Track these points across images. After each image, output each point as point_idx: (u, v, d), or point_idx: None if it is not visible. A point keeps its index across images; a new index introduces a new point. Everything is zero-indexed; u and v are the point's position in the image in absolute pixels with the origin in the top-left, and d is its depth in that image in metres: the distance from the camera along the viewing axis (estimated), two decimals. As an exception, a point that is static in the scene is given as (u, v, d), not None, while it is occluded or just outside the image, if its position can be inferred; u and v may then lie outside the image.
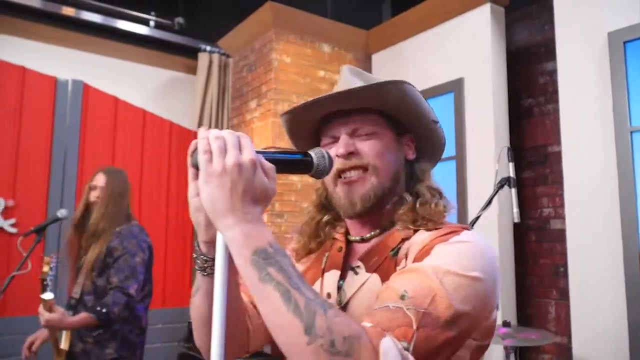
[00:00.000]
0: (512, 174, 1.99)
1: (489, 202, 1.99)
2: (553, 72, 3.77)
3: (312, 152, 0.92)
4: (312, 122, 1.07)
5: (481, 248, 0.87)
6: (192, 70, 4.86)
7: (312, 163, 0.91)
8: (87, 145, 4.05)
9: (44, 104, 3.88)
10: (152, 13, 4.64)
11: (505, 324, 2.59)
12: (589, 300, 2.91)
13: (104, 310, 2.27)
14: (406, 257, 0.91)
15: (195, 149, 0.81)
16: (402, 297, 0.78)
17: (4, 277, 3.52)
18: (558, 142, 3.66)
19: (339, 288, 0.99)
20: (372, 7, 5.01)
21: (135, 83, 4.62)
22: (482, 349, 0.90)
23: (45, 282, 2.20)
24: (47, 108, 3.89)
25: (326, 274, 1.04)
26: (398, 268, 0.91)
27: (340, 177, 1.00)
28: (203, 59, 4.77)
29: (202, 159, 0.78)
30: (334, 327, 0.71)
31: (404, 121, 1.05)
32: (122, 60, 4.59)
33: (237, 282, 0.96)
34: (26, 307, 3.62)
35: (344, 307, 0.96)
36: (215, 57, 4.79)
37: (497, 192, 2.00)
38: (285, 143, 3.94)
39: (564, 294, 3.49)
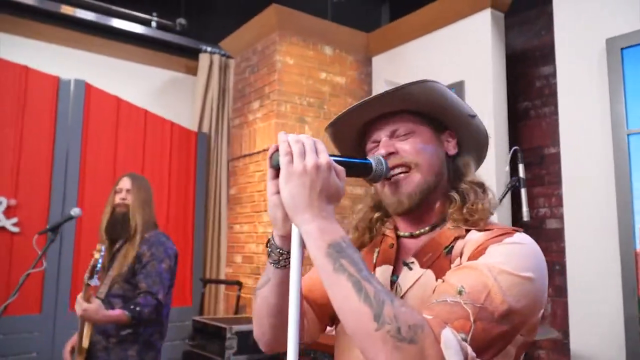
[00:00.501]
0: (522, 174, 2.07)
1: (499, 202, 2.06)
2: (549, 76, 3.89)
3: (371, 159, 1.01)
4: (355, 130, 1.13)
5: (533, 250, 0.93)
6: (193, 71, 4.90)
7: (371, 168, 0.99)
8: (89, 144, 4.07)
9: (47, 104, 3.89)
10: (154, 14, 4.67)
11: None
12: (587, 298, 3.01)
13: (137, 309, 2.35)
14: (460, 256, 0.96)
15: (275, 151, 0.89)
16: (460, 292, 0.84)
17: (5, 276, 3.56)
18: (554, 143, 3.78)
19: (392, 283, 1.04)
20: (371, 11, 5.09)
21: (137, 83, 4.65)
22: (527, 345, 0.96)
23: (96, 269, 2.29)
24: (50, 107, 3.91)
25: (377, 269, 1.09)
26: (452, 265, 0.96)
27: (387, 177, 1.05)
28: (204, 59, 4.81)
29: (283, 160, 0.86)
30: (400, 316, 0.78)
31: (441, 118, 1.10)
32: (123, 61, 4.61)
33: None
34: (29, 305, 3.64)
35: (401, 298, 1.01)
36: (216, 58, 4.84)
37: (507, 191, 2.08)
38: (288, 143, 4.00)
39: (561, 292, 3.60)
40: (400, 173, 1.04)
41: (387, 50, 4.48)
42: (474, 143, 1.13)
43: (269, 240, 1.00)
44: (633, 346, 2.76)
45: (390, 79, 1.04)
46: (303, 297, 1.10)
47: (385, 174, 1.01)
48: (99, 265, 2.31)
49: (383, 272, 1.07)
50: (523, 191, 2.07)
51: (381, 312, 0.77)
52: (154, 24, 4.68)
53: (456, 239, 1.00)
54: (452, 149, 1.10)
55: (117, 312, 2.34)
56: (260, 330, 1.06)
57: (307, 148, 0.87)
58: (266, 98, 4.15)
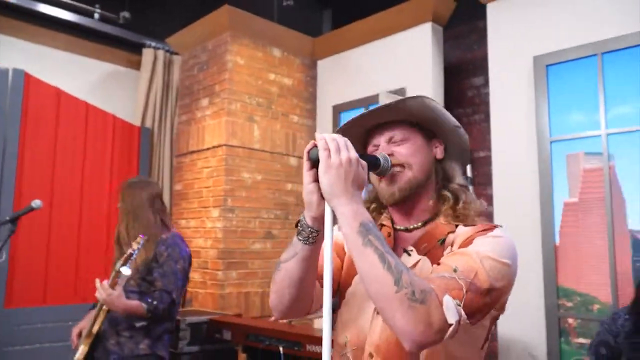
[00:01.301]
0: (469, 173, 2.30)
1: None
2: (480, 87, 4.28)
3: (379, 156, 1.20)
4: (359, 135, 1.31)
5: (509, 242, 1.14)
6: (136, 65, 4.86)
7: (379, 163, 1.18)
8: (28, 136, 3.95)
9: (-17, 93, 3.74)
10: (97, 5, 4.60)
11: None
12: (513, 287, 3.37)
13: (154, 303, 2.43)
14: (452, 245, 1.16)
15: (313, 147, 1.06)
16: (455, 271, 1.05)
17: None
18: (483, 148, 4.17)
19: None
20: (315, 16, 5.30)
21: (78, 75, 4.56)
22: (496, 319, 1.20)
23: (131, 257, 2.38)
24: (-14, 97, 3.76)
25: None
26: (445, 253, 1.16)
27: (389, 172, 1.23)
28: (148, 54, 4.80)
29: (323, 154, 1.04)
30: (414, 282, 0.98)
31: (431, 127, 1.30)
32: (64, 52, 4.51)
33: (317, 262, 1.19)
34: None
35: None
36: (160, 53, 4.84)
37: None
38: (237, 140, 4.11)
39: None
40: (395, 170, 1.24)
41: (331, 55, 4.70)
42: (458, 149, 1.33)
43: (299, 221, 1.15)
44: (552, 330, 3.14)
45: (388, 93, 1.20)
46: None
47: (388, 169, 1.21)
48: (134, 255, 2.38)
49: None
50: (471, 188, 2.34)
51: (400, 278, 0.97)
52: (96, 15, 4.61)
53: (448, 233, 1.21)
54: (439, 154, 1.30)
55: (136, 303, 2.42)
56: (279, 299, 1.21)
57: (340, 145, 1.05)
58: (216, 96, 4.23)
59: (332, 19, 5.31)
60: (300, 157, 4.62)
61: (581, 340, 3.09)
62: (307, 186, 1.09)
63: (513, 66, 3.48)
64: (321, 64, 4.81)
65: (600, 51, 3.10)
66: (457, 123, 1.32)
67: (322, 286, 1.28)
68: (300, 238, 1.13)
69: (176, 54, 4.88)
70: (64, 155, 4.10)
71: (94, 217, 4.18)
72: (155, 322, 2.52)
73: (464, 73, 4.34)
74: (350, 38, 4.51)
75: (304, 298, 1.22)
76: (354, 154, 1.06)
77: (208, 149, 4.22)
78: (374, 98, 4.25)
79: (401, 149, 1.24)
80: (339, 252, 1.33)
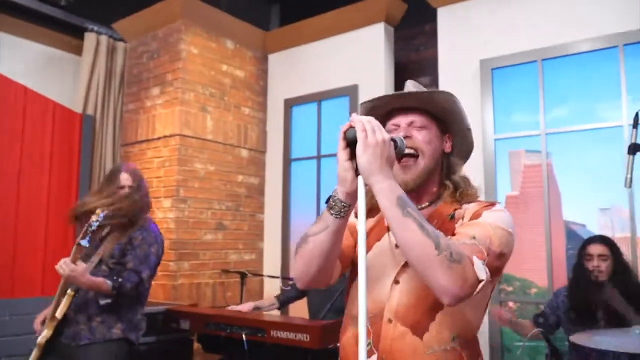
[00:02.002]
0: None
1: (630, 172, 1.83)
2: (426, 87, 4.50)
3: (396, 138, 1.28)
4: (381, 113, 1.41)
5: (509, 216, 1.30)
6: (78, 51, 4.67)
7: (397, 145, 1.28)
8: (-40, 119, 3.71)
9: None
10: (38, -15, 4.37)
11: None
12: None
13: (119, 280, 2.42)
14: (462, 219, 1.30)
15: (349, 127, 1.15)
16: (473, 237, 1.20)
17: None
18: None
19: None
20: (263, 10, 5.33)
21: (15, 58, 4.32)
22: (494, 286, 1.36)
23: (89, 230, 2.36)
24: None
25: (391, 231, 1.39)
26: (457, 225, 1.29)
27: (399, 160, 1.34)
28: (90, 39, 4.62)
29: (361, 135, 1.13)
30: (451, 246, 1.11)
31: (447, 123, 1.42)
32: (2, 33, 4.25)
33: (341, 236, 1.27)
34: None
35: None
36: (103, 39, 4.67)
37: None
38: (190, 130, 4.08)
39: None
40: (410, 157, 1.35)
41: (283, 50, 4.77)
42: (464, 149, 1.48)
43: (330, 197, 1.23)
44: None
45: (412, 81, 1.28)
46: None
47: (403, 151, 1.31)
48: (93, 226, 2.36)
49: None
50: (630, 158, 2.21)
51: (439, 243, 1.09)
52: (37, -5, 4.38)
53: (455, 209, 1.35)
54: (448, 148, 1.43)
55: (101, 279, 2.40)
56: (306, 270, 1.29)
57: (375, 127, 1.15)
58: (168, 85, 4.17)
59: (280, 14, 5.36)
60: (251, 149, 4.65)
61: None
62: (343, 163, 1.17)
63: (461, 68, 3.72)
64: (272, 58, 4.86)
65: (540, 57, 3.39)
66: (469, 125, 1.46)
67: (341, 264, 1.39)
68: (332, 212, 1.21)
69: (120, 40, 4.74)
70: (1, 138, 3.88)
71: (32, 206, 3.99)
72: (126, 308, 2.52)
73: (410, 73, 4.54)
74: (303, 34, 4.60)
75: (328, 269, 1.31)
76: (387, 135, 1.16)
77: (159, 138, 4.15)
78: (328, 93, 4.37)
79: (419, 135, 1.36)
80: (352, 231, 1.42)
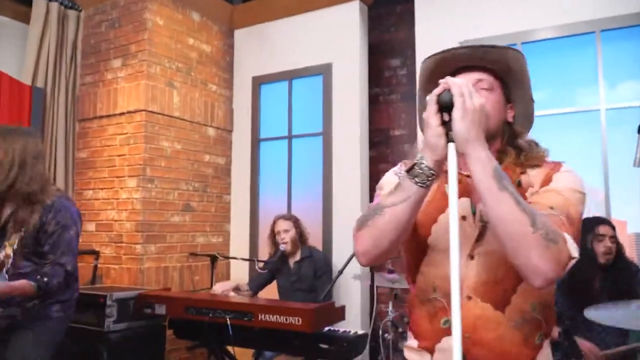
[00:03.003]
0: None
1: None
2: (397, 68, 4.50)
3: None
4: (443, 73, 1.26)
5: (577, 174, 1.25)
6: (23, 18, 4.29)
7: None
8: None
9: None
10: (-20, -58, 3.95)
11: (391, 270, 3.15)
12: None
13: (45, 279, 2.12)
14: (532, 186, 1.23)
15: (443, 91, 1.07)
16: (551, 208, 1.13)
17: None
18: (398, 126, 4.41)
19: (473, 214, 1.25)
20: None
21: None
22: None
23: None
24: None
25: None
26: (527, 194, 1.20)
27: None
28: (39, 6, 4.24)
29: (459, 100, 1.05)
30: (546, 224, 1.04)
31: (513, 90, 1.33)
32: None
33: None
34: None
35: (485, 225, 1.22)
36: (54, 6, 4.30)
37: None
38: (157, 106, 3.85)
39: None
40: None
41: (251, 25, 4.59)
42: (525, 122, 1.36)
43: (415, 164, 1.13)
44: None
45: (474, 42, 1.20)
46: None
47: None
48: None
49: (462, 203, 1.26)
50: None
51: (535, 220, 1.03)
52: (-21, -47, 3.96)
53: (520, 174, 1.27)
54: (510, 118, 1.33)
55: (22, 282, 2.09)
56: (376, 244, 1.18)
57: (472, 91, 1.07)
58: (132, 57, 3.90)
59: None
60: (218, 128, 4.47)
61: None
62: (436, 129, 1.08)
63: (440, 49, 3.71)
64: (238, 34, 4.67)
65: (520, 41, 3.44)
66: (533, 97, 1.36)
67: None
68: (417, 181, 1.12)
69: (72, 8, 4.38)
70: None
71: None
72: (51, 298, 2.25)
73: (382, 54, 4.52)
74: (272, 9, 4.44)
75: (399, 242, 1.22)
76: (483, 100, 1.09)
77: (122, 114, 3.89)
78: (301, 71, 4.25)
79: (483, 95, 1.22)
80: None
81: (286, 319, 2.70)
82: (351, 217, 4.14)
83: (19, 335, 2.17)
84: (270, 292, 3.69)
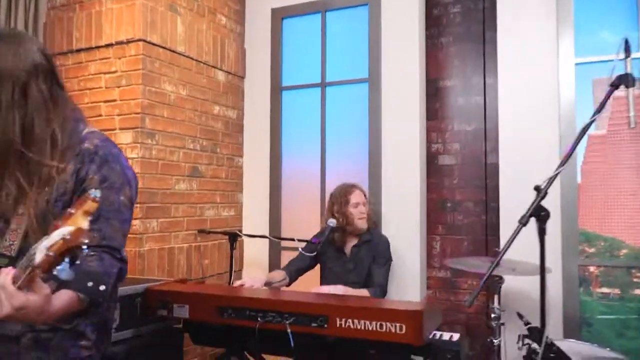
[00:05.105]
0: (629, 69, 1.70)
1: (602, 106, 1.66)
2: (448, 4, 3.66)
3: None
4: None
5: None
6: None
7: None
8: None
9: None
10: None
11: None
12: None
13: (101, 287, 1.21)
14: None
15: None
16: None
17: None
18: (448, 76, 3.60)
19: None
20: None
21: None
22: None
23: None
24: None
25: None
26: None
27: None
28: None
29: None
30: None
31: None
32: None
33: None
34: None
35: None
36: None
37: (611, 93, 1.69)
38: (157, 36, 2.89)
39: (451, 230, 3.50)
40: None
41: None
42: None
43: None
44: (570, 279, 2.75)
45: None
46: None
47: None
48: None
49: None
50: (630, 92, 1.71)
51: None
52: None
53: None
54: None
55: (64, 297, 1.13)
56: None
57: None
58: (123, -31, 2.90)
59: None
60: (229, 73, 3.53)
61: (605, 290, 2.75)
62: None
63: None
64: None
65: (643, -40, 2.68)
66: None
67: None
68: None
69: None
70: None
71: None
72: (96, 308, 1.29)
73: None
74: None
75: None
76: None
77: (109, 45, 2.90)
78: (336, 1, 3.36)
79: None
80: None
81: (382, 326, 1.88)
82: (407, 186, 3.24)
83: None
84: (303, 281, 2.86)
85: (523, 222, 1.56)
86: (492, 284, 2.40)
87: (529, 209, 1.57)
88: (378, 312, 1.90)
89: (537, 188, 1.60)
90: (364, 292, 2.60)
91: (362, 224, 2.76)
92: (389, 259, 2.79)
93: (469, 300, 1.52)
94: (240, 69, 3.62)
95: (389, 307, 1.95)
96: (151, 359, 2.32)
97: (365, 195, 2.87)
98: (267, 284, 2.60)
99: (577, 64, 2.81)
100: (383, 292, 2.69)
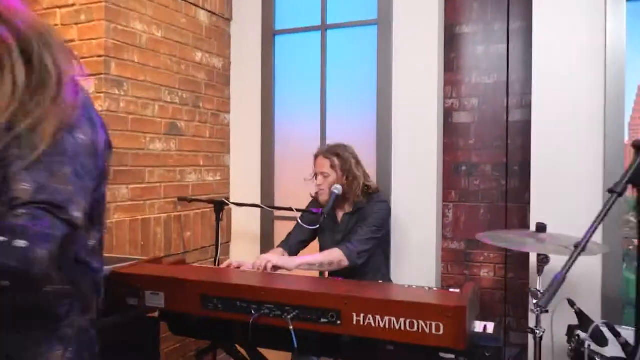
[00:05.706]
0: None
1: None
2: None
3: None
4: None
5: None
6: None
7: None
8: None
9: None
10: None
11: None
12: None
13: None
14: None
15: None
16: None
17: None
18: (467, 21, 3.13)
19: None
20: None
21: None
22: None
23: None
24: None
25: None
26: None
27: None
28: None
29: None
30: None
31: None
32: None
33: None
34: None
35: None
36: None
37: None
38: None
39: (466, 196, 3.11)
40: None
41: None
42: None
43: None
44: (611, 254, 2.40)
45: None
46: None
47: None
48: None
49: None
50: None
51: None
52: None
53: None
54: None
55: None
56: None
57: None
58: None
59: None
60: (213, 14, 3.02)
61: (653, 266, 2.39)
62: None
63: None
64: None
65: None
66: None
67: None
68: None
69: None
70: None
71: None
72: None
73: None
74: None
75: None
76: None
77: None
78: None
79: None
80: None
81: (412, 325, 1.47)
82: (424, 147, 2.77)
83: None
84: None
85: (619, 190, 1.16)
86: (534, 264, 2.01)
87: (625, 174, 1.18)
88: (407, 307, 1.49)
89: (636, 144, 1.20)
90: (333, 253, 2.16)
91: (322, 198, 2.35)
92: (379, 227, 2.31)
93: (543, 302, 1.14)
94: (226, 9, 3.11)
95: (422, 300, 1.53)
96: (121, 352, 1.92)
97: (331, 163, 2.34)
98: (274, 267, 2.13)
99: (629, 1, 2.37)
100: (355, 257, 2.18)
